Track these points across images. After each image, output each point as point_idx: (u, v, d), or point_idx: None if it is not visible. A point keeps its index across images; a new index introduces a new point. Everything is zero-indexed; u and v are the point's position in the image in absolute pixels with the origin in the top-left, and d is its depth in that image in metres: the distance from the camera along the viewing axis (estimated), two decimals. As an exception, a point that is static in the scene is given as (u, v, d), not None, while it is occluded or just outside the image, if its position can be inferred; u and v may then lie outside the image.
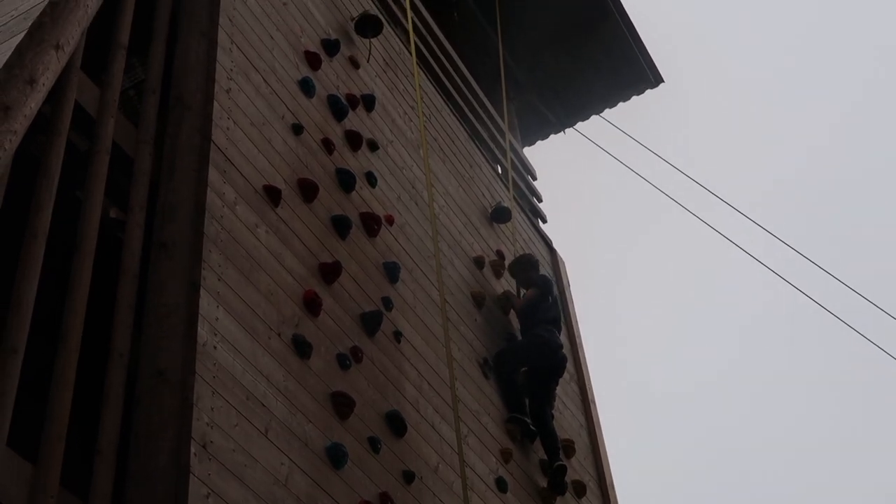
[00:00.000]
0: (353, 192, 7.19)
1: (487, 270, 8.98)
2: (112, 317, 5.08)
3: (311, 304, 6.03)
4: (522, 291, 8.99)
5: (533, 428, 8.12)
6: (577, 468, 8.68)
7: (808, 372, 29.30)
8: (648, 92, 13.05)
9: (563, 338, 8.92)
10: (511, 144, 10.90)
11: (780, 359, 30.18)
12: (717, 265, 31.11)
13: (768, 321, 30.02)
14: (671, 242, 32.30)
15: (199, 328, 5.01)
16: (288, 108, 6.85)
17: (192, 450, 4.60)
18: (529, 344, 8.49)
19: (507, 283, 9.20)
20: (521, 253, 9.50)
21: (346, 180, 7.12)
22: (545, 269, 9.45)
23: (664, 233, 32.26)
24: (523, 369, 8.48)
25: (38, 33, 5.15)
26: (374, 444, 5.99)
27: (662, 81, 12.96)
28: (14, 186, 4.86)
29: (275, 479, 5.04)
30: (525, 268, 9.10)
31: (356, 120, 7.77)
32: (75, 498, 4.41)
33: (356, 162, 7.48)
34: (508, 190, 10.22)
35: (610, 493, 9.05)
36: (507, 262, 9.31)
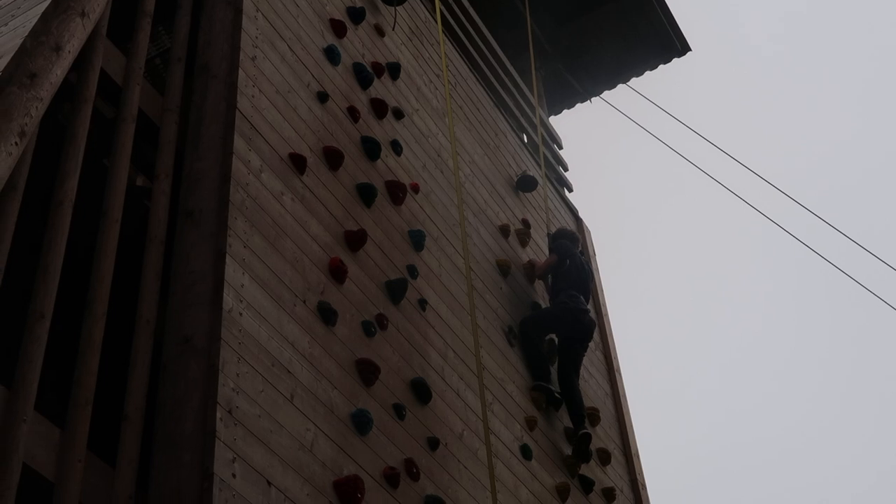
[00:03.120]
0: (379, 161, 7.18)
1: (513, 239, 8.96)
2: (139, 284, 5.11)
3: (337, 272, 6.03)
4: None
5: (558, 396, 8.12)
6: (602, 436, 8.68)
7: (832, 339, 29.13)
8: (675, 61, 12.96)
9: (590, 306, 8.90)
10: (538, 113, 10.85)
11: (807, 329, 30.06)
12: (743, 234, 30.93)
13: (796, 292, 29.85)
14: (697, 211, 32.14)
15: (224, 295, 5.03)
16: (313, 76, 6.83)
17: (218, 415, 4.62)
18: (554, 311, 8.49)
19: (532, 252, 9.18)
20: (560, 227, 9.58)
21: (371, 148, 7.11)
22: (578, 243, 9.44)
23: (690, 201, 32.08)
24: (549, 337, 8.47)
25: (64, 1, 5.15)
26: (399, 410, 6.00)
27: (690, 50, 12.87)
28: (41, 154, 4.88)
29: (300, 444, 5.06)
30: (556, 236, 9.12)
31: (381, 88, 7.75)
32: (103, 462, 4.45)
33: (381, 130, 7.46)
34: (537, 161, 10.19)
35: (634, 461, 9.05)
36: (532, 231, 9.29)
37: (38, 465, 4.16)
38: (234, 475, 4.53)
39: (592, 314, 8.88)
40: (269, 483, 4.72)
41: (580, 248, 9.18)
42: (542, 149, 10.42)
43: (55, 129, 5.21)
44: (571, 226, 10.56)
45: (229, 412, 4.69)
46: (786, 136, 32.18)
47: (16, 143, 4.39)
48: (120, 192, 5.19)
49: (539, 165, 10.31)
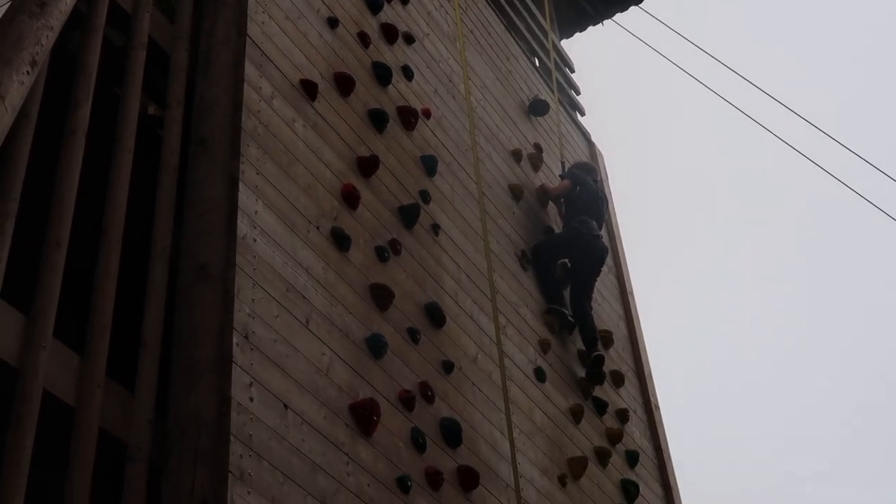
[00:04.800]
0: (390, 86, 7.16)
1: (525, 163, 8.95)
2: (153, 212, 5.13)
3: (350, 198, 6.05)
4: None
5: (571, 319, 8.16)
6: (615, 359, 8.74)
7: (844, 264, 29.04)
8: (688, -19, 12.78)
9: (603, 231, 8.91)
10: (550, 37, 10.77)
11: (822, 250, 29.96)
12: (758, 156, 30.75)
13: (814, 218, 29.74)
14: (709, 134, 31.96)
15: (238, 222, 5.05)
16: (323, 2, 6.79)
17: (235, 340, 4.67)
18: (567, 236, 8.51)
19: (544, 176, 9.18)
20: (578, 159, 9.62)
21: (382, 74, 7.08)
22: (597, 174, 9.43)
23: (702, 124, 31.90)
24: (562, 261, 8.50)
25: (71, -72, 5.11)
26: (413, 334, 6.05)
27: (702, -30, 12.69)
28: (53, 83, 4.88)
29: (316, 368, 5.12)
30: (574, 166, 9.15)
31: (391, 13, 7.70)
32: (122, 388, 4.50)
33: (392, 55, 7.43)
34: (550, 86, 10.13)
35: (648, 383, 9.11)
36: (544, 156, 9.27)
37: (59, 390, 4.22)
38: (251, 399, 4.59)
39: (605, 239, 8.89)
40: (286, 406, 4.79)
41: (596, 178, 9.18)
42: (554, 73, 10.37)
43: (66, 59, 5.20)
44: (584, 150, 10.53)
45: (245, 337, 4.74)
46: (801, 59, 31.82)
47: (27, 72, 4.39)
48: (132, 120, 5.19)
49: (551, 90, 10.25)
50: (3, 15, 4.63)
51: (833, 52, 31.68)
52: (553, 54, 10.66)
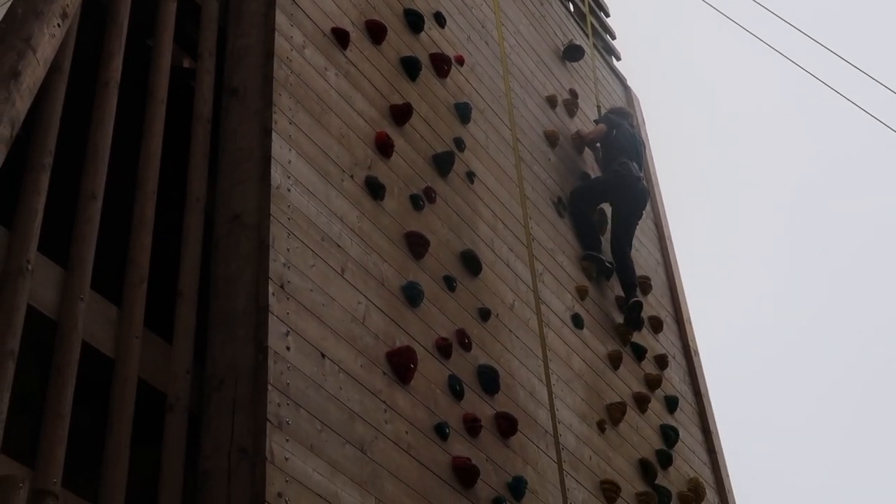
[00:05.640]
0: (422, 33, 7.11)
1: (560, 109, 8.89)
2: (187, 163, 5.14)
3: (383, 146, 6.03)
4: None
5: (609, 265, 8.13)
6: (654, 304, 8.71)
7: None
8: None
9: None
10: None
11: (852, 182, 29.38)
12: (786, 91, 30.23)
13: (850, 156, 29.31)
14: (744, 74, 31.44)
15: (272, 171, 5.05)
16: (353, -51, 6.74)
17: (271, 290, 4.69)
18: (605, 180, 8.47)
19: (580, 122, 9.11)
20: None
21: (414, 21, 7.04)
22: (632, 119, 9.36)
23: (739, 65, 31.44)
24: (599, 207, 8.46)
25: None
26: (449, 282, 6.05)
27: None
28: (84, 36, 4.88)
29: (352, 317, 5.14)
30: (609, 111, 9.09)
31: (423, -41, 7.63)
32: (159, 339, 4.54)
33: (424, 2, 7.37)
34: (584, 30, 10.03)
35: (686, 328, 9.08)
36: (580, 101, 9.20)
37: (97, 342, 4.27)
38: (288, 348, 4.62)
39: (644, 183, 8.83)
40: (322, 355, 4.81)
41: (632, 123, 9.11)
42: (588, 17, 10.26)
43: (98, 11, 5.20)
44: (620, 95, 10.44)
45: (281, 287, 4.76)
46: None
47: (58, 25, 4.40)
48: (164, 71, 5.20)
49: (586, 34, 10.16)
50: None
51: None
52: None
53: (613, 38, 11.23)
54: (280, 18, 5.67)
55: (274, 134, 5.20)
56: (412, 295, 5.65)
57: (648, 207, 9.46)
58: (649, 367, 8.07)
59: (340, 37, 6.11)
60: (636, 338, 8.07)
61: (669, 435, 7.75)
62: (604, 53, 10.69)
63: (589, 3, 10.59)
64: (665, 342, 8.57)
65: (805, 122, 30.12)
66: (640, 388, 7.76)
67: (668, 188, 10.52)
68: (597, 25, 10.82)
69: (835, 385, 26.69)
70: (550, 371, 6.39)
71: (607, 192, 8.45)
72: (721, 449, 8.50)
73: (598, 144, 8.84)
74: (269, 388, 4.42)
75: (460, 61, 7.43)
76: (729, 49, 30.69)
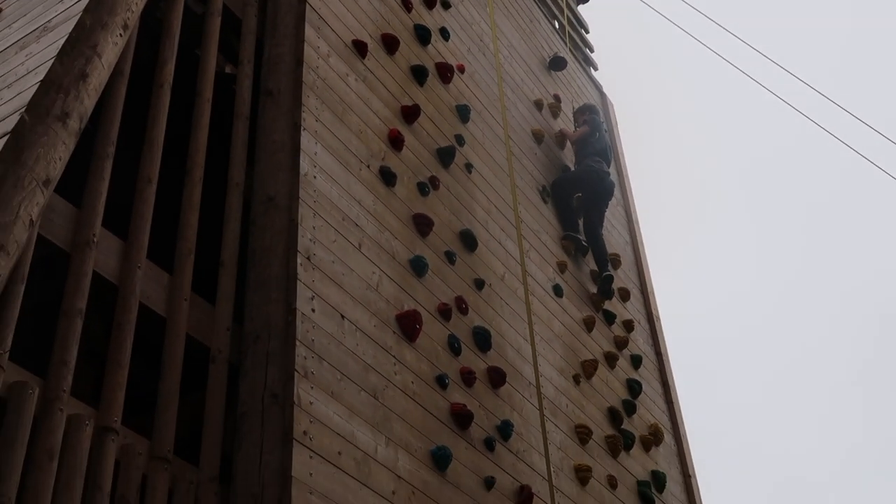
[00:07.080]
0: (430, 45, 7.10)
1: (546, 111, 8.87)
2: (229, 153, 5.15)
3: (395, 141, 6.03)
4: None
5: (585, 244, 8.13)
6: (623, 277, 8.71)
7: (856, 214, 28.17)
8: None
9: (611, 170, 8.84)
10: (567, 1, 10.60)
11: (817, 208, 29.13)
12: (749, 110, 30.20)
13: (835, 192, 28.60)
14: (707, 89, 31.38)
15: (301, 161, 5.06)
16: (371, -27, 6.72)
17: (299, 261, 4.70)
18: (581, 173, 8.44)
19: (562, 123, 9.09)
20: (584, 102, 9.44)
21: (423, 35, 7.02)
22: (601, 115, 9.31)
23: (700, 80, 31.32)
24: (577, 195, 8.45)
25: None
26: (450, 256, 6.06)
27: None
28: (142, 46, 4.88)
29: (368, 284, 5.15)
30: (583, 111, 9.03)
31: (431, -18, 7.59)
32: (205, 301, 4.56)
33: (431, 19, 7.35)
34: (566, 42, 10.00)
35: (650, 298, 9.08)
36: (562, 105, 9.18)
37: (152, 303, 4.28)
38: (313, 310, 4.63)
39: (613, 177, 8.81)
40: (342, 316, 4.82)
41: (598, 114, 9.07)
42: (567, 29, 10.20)
43: (154, 23, 5.20)
44: (597, 100, 10.40)
45: (308, 258, 4.77)
46: (807, 22, 30.75)
47: (120, 35, 4.40)
48: (210, 76, 5.19)
49: (569, 47, 10.11)
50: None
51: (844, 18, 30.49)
52: (567, 12, 10.48)
53: (592, 50, 11.17)
54: (309, 31, 5.66)
55: (303, 129, 5.20)
56: (418, 267, 5.66)
57: (618, 195, 9.47)
58: (618, 330, 8.08)
59: (360, 47, 6.10)
60: (607, 305, 8.07)
61: (634, 387, 7.77)
62: (583, 63, 10.65)
63: (569, 17, 10.55)
64: (632, 309, 8.58)
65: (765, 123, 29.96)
66: (609, 347, 7.78)
67: (646, 180, 10.50)
68: (576, 38, 10.78)
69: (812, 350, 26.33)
70: (534, 332, 6.40)
71: (582, 183, 8.43)
72: (678, 400, 8.50)
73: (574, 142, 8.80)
74: (297, 343, 4.44)
75: (461, 69, 7.41)
76: (692, 59, 30.56)
